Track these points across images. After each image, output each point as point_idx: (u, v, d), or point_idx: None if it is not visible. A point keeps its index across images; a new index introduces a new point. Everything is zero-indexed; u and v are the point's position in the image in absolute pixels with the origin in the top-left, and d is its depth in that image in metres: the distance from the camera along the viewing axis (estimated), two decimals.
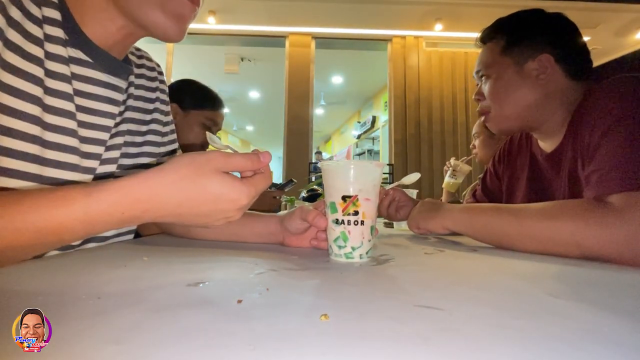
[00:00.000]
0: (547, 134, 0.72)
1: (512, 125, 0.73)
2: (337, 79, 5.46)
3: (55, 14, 0.46)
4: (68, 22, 0.47)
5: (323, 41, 3.79)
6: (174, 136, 0.72)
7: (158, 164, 0.37)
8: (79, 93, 0.49)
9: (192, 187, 0.34)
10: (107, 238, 0.58)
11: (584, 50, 0.70)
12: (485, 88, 0.74)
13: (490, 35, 0.74)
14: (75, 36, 0.48)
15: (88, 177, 0.52)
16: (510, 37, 0.70)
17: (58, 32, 0.46)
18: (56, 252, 0.49)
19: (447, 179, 1.57)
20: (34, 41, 0.43)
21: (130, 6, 0.47)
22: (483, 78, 0.75)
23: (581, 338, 0.20)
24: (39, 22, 0.44)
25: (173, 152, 0.71)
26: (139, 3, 0.46)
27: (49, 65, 0.45)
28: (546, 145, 0.74)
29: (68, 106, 0.48)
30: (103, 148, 0.54)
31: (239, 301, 0.26)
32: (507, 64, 0.70)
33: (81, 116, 0.50)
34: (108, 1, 0.47)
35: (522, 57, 0.69)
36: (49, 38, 0.45)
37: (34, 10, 0.44)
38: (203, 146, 1.30)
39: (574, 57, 0.69)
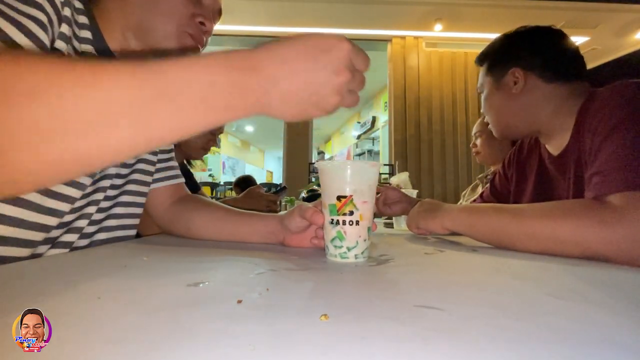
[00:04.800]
0: (551, 137, 0.74)
1: (510, 132, 0.81)
2: None
3: (87, 34, 0.53)
4: (97, 39, 0.54)
5: None
6: (170, 155, 0.75)
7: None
8: None
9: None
10: (108, 240, 0.59)
11: (559, 54, 0.74)
12: (484, 105, 0.85)
13: (480, 60, 0.85)
14: (96, 42, 0.54)
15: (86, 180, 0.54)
16: (490, 60, 0.82)
17: (88, 47, 0.52)
18: (56, 252, 0.49)
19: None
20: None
21: (150, 39, 0.56)
22: (482, 97, 0.86)
23: (581, 338, 0.20)
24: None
25: (169, 159, 0.73)
26: (161, 36, 0.56)
27: None
28: (552, 148, 0.75)
29: None
30: None
31: (239, 301, 0.26)
32: (490, 82, 0.81)
33: None
34: (128, 33, 0.55)
35: (499, 75, 0.78)
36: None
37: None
38: (205, 148, 1.30)
39: (546, 63, 0.73)
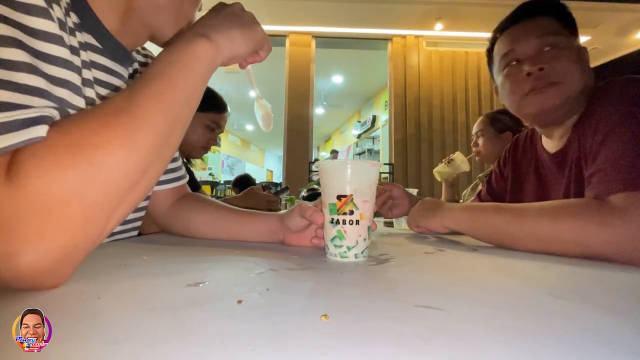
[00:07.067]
0: (553, 132, 0.72)
1: (565, 106, 0.65)
2: (337, 79, 5.45)
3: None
4: (82, 7, 0.44)
5: (323, 40, 3.79)
6: (176, 154, 0.71)
7: None
8: (96, 81, 0.48)
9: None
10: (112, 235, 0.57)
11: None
12: (559, 57, 0.65)
13: (552, 9, 0.68)
14: (87, 20, 0.45)
15: None
16: (566, 19, 0.68)
17: (73, 18, 0.43)
18: None
19: (440, 166, 1.61)
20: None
21: (152, 20, 0.50)
22: (549, 47, 0.66)
23: (581, 338, 0.20)
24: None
25: (175, 159, 0.70)
26: (164, 19, 0.50)
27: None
28: (552, 145, 0.74)
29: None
30: None
31: (239, 301, 0.26)
32: (573, 43, 0.67)
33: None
34: (129, 11, 0.48)
35: (577, 41, 0.68)
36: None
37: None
38: (205, 147, 1.30)
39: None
